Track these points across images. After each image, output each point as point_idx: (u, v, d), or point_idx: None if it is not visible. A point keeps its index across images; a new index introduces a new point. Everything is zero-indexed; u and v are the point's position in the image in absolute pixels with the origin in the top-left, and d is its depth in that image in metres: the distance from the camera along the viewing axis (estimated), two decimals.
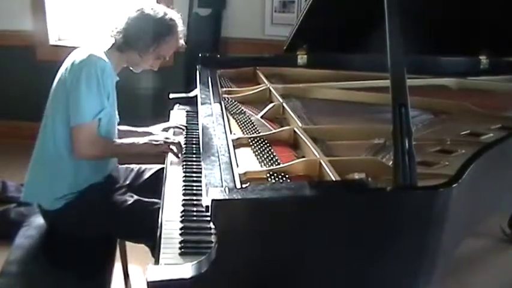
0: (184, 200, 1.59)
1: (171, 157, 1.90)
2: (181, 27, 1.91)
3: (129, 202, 1.83)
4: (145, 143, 1.89)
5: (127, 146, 1.90)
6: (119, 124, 2.03)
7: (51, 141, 1.82)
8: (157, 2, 3.36)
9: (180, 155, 1.89)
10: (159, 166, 2.06)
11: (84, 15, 3.64)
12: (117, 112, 1.99)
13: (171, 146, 1.89)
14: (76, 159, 1.80)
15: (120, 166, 2.09)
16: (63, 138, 1.80)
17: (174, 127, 2.18)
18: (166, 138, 1.93)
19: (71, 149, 1.79)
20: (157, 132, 2.11)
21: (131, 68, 1.96)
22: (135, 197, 1.86)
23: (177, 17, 1.90)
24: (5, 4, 3.51)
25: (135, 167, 2.12)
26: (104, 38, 1.91)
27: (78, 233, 1.77)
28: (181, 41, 1.94)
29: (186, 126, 2.18)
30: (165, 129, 2.17)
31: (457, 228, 1.38)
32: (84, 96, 1.73)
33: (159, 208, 1.59)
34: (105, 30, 1.92)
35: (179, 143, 1.91)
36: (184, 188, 1.67)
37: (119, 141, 1.92)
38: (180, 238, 1.37)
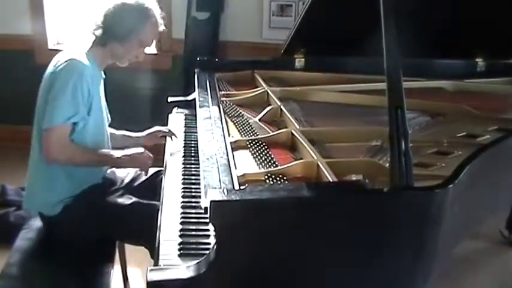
0: (183, 202, 1.60)
1: (169, 159, 1.91)
2: (158, 11, 1.90)
3: (128, 203, 1.83)
4: (119, 157, 1.86)
5: (102, 157, 1.87)
6: (110, 125, 2.02)
7: (39, 147, 1.80)
8: None
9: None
10: (156, 168, 2.06)
11: (83, 19, 3.64)
12: (107, 112, 1.98)
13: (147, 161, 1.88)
14: (47, 164, 1.75)
15: (117, 169, 2.09)
16: None
17: (165, 132, 2.14)
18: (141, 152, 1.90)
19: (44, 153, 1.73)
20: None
21: (118, 63, 1.94)
22: (134, 198, 1.86)
23: (152, 2, 1.90)
24: (4, 8, 3.51)
25: (133, 169, 2.12)
26: (86, 38, 1.91)
27: (78, 236, 1.77)
28: (162, 26, 1.94)
29: (174, 135, 2.13)
30: (156, 132, 2.15)
31: (454, 228, 1.39)
32: (57, 99, 1.71)
33: (157, 210, 1.59)
34: (85, 30, 1.90)
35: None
36: (183, 190, 1.68)
37: (93, 150, 1.85)
38: (179, 240, 1.38)
